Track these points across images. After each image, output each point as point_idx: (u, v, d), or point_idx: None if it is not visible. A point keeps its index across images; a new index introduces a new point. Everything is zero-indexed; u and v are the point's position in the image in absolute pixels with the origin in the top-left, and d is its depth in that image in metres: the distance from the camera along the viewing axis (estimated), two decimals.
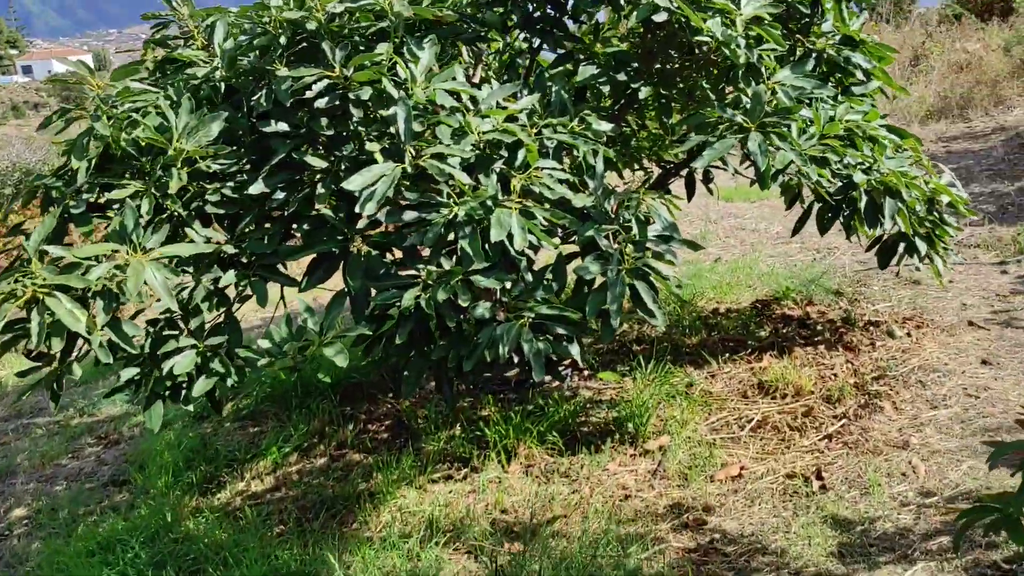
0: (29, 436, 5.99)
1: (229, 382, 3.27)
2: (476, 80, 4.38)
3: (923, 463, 3.83)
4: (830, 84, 4.24)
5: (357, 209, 3.10)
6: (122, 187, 3.17)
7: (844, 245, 7.17)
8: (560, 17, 4.17)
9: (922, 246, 4.60)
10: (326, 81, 3.28)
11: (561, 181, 3.39)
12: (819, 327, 5.52)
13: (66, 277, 2.82)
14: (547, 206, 3.31)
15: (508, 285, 3.21)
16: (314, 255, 3.37)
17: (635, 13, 3.56)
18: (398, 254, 3.44)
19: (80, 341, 3.03)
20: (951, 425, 4.14)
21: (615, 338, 3.21)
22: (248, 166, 3.42)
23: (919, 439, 4.03)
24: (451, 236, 3.21)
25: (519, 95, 3.87)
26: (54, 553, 3.96)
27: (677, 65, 4.05)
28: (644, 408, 4.36)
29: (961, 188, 5.05)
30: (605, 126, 3.75)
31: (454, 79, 3.47)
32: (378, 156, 3.24)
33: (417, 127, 3.27)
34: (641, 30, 4.12)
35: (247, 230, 3.32)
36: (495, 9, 4.07)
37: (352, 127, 3.39)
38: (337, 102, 3.31)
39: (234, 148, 3.45)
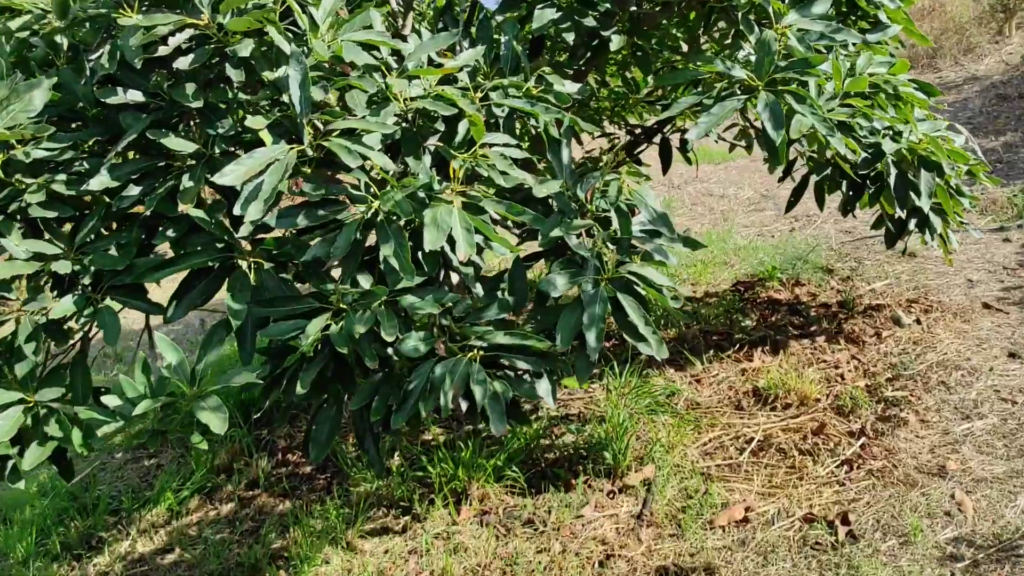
0: None
1: (78, 445, 2.39)
2: (406, 33, 3.48)
3: (968, 496, 3.11)
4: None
5: (237, 210, 2.22)
6: None
7: (824, 212, 6.44)
8: None
9: (936, 222, 3.86)
10: (191, 31, 2.37)
11: (516, 161, 2.55)
12: (813, 313, 4.78)
13: None
14: (498, 197, 2.47)
15: (450, 304, 2.38)
16: (186, 271, 2.48)
17: None
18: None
19: None
20: (991, 441, 3.42)
21: (592, 364, 2.38)
22: (90, 152, 2.51)
23: (957, 463, 3.31)
24: (370, 242, 2.37)
25: (458, 48, 2.99)
26: None
27: (658, 6, 3.19)
28: (622, 430, 3.57)
29: (980, 152, 4.31)
30: (570, 87, 2.91)
31: (369, 27, 2.58)
32: (265, 135, 2.35)
33: (318, 94, 2.39)
34: None
35: (88, 239, 2.42)
36: None
37: (230, 95, 2.49)
38: (208, 61, 2.41)
39: (74, 127, 2.53)
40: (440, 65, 2.72)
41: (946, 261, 4.32)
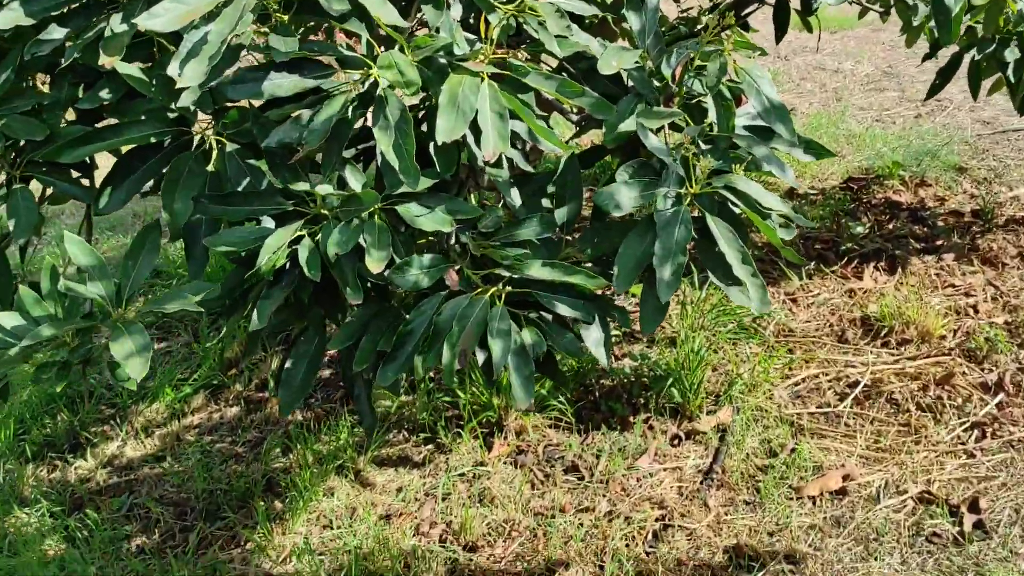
0: None
1: None
2: None
3: None
4: None
5: (172, 69, 1.56)
6: None
7: (959, 95, 5.43)
8: None
9: None
10: None
11: (581, 21, 1.83)
12: (940, 223, 3.96)
13: None
14: (550, 69, 1.76)
15: (468, 218, 1.73)
16: (130, 147, 1.86)
17: None
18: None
19: None
20: None
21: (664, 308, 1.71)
22: None
23: None
24: (360, 123, 1.71)
25: None
26: None
27: None
28: (696, 359, 2.92)
29: None
30: None
31: None
32: None
33: None
34: None
35: None
36: None
37: None
38: None
39: None
40: None
41: None
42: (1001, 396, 2.82)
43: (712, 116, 1.81)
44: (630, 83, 1.84)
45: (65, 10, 1.80)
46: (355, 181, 1.72)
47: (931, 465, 2.58)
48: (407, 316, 1.69)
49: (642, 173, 1.77)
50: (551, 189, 1.90)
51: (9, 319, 1.66)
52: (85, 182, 1.95)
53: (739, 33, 2.74)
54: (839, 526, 2.42)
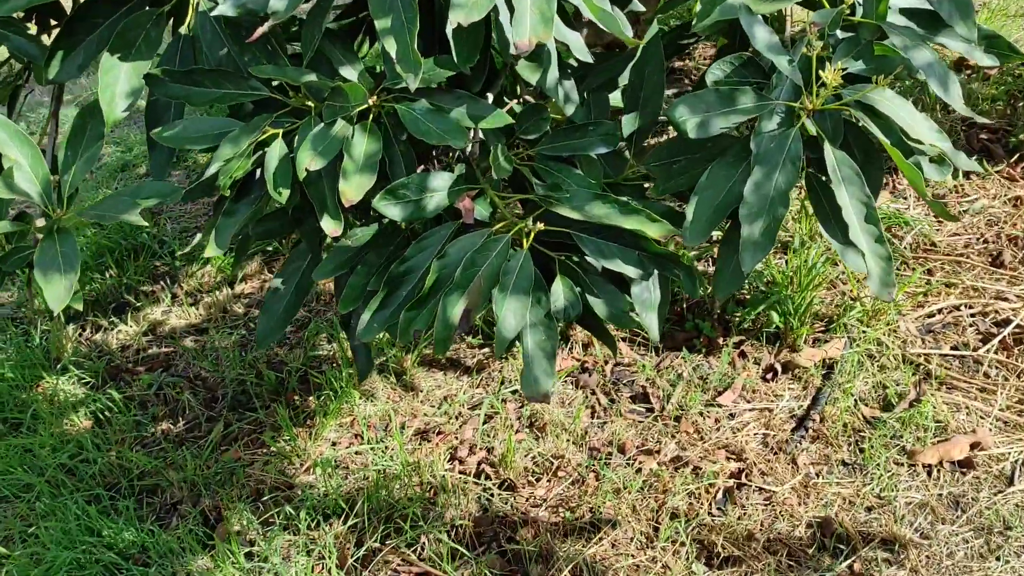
0: None
1: None
2: None
3: None
4: None
5: None
6: None
7: None
8: None
9: None
10: None
11: None
12: None
13: None
14: None
15: (496, 127, 1.28)
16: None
17: None
18: None
19: None
20: None
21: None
22: None
23: None
24: None
25: None
26: None
27: None
28: (808, 279, 2.43)
29: None
30: None
31: None
32: None
33: None
34: None
35: None
36: None
37: None
38: None
39: None
40: None
41: None
42: None
43: None
44: None
45: None
46: (350, 71, 1.29)
47: None
48: (406, 251, 1.29)
49: (743, 74, 1.27)
50: (623, 83, 1.42)
51: None
52: (45, 38, 1.59)
53: None
54: (957, 508, 1.98)
